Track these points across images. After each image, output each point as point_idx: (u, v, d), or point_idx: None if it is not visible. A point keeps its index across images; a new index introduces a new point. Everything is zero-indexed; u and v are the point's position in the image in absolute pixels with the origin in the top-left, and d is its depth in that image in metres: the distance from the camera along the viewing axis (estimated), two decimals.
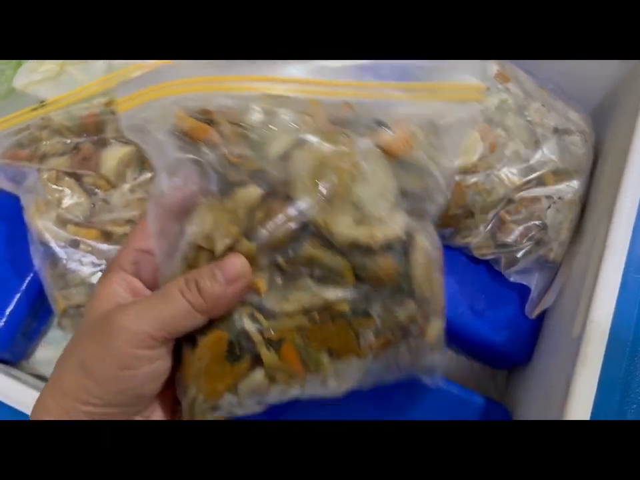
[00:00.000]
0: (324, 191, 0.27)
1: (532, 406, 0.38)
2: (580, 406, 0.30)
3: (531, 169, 0.41)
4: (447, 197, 0.30)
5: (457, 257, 0.43)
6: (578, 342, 0.32)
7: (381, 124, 0.29)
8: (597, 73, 0.47)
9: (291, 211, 0.26)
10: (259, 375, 0.27)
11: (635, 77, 0.43)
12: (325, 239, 0.27)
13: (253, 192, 0.27)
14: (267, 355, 0.27)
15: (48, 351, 0.45)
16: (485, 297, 0.43)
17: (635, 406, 0.31)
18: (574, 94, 0.49)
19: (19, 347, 0.44)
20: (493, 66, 0.41)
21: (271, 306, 0.27)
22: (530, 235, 0.41)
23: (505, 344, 0.42)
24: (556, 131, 0.42)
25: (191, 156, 0.27)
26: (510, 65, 0.43)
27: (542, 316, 0.43)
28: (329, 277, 0.27)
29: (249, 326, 0.27)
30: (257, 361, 0.27)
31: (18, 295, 0.42)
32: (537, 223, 0.41)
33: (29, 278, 0.42)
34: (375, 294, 0.27)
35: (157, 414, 0.28)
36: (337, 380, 0.28)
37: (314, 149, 0.27)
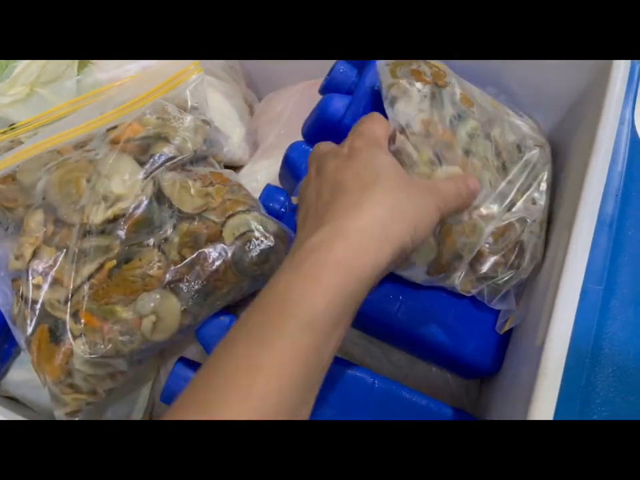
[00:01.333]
0: (70, 197, 0.40)
1: (499, 416, 0.39)
2: (541, 415, 0.31)
3: (504, 196, 0.40)
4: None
5: None
6: (539, 352, 0.33)
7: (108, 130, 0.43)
8: (566, 79, 0.47)
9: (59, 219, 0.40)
10: (79, 344, 0.37)
11: (599, 83, 0.44)
12: (88, 230, 0.39)
13: (38, 215, 0.40)
14: (73, 326, 0.37)
15: (20, 372, 0.45)
16: (455, 311, 0.43)
17: (595, 416, 0.31)
18: (543, 101, 0.50)
19: None
20: (456, 90, 0.42)
21: (66, 286, 0.38)
22: (509, 262, 0.40)
23: (474, 356, 0.42)
24: (518, 148, 0.42)
25: None
26: (462, 82, 0.43)
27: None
28: (97, 252, 0.39)
29: (56, 312, 0.38)
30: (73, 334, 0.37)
31: None
32: (514, 248, 0.40)
33: None
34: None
35: None
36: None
37: (54, 173, 0.40)
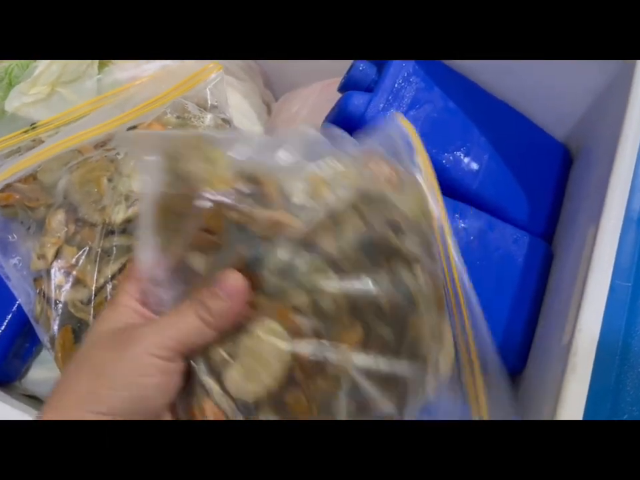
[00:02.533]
0: (91, 196, 0.39)
1: (525, 415, 0.38)
2: (570, 416, 0.30)
3: None
4: None
5: None
6: (567, 350, 0.32)
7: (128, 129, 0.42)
8: (581, 81, 0.47)
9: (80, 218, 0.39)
10: None
11: (622, 80, 0.43)
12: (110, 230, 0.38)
13: (59, 214, 0.40)
14: None
15: (41, 371, 0.45)
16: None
17: (626, 416, 0.31)
18: (562, 101, 0.50)
19: (11, 368, 0.44)
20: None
21: (89, 286, 0.38)
22: None
23: (498, 352, 0.41)
24: None
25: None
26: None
27: (534, 324, 0.43)
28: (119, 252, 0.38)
29: (79, 313, 0.38)
30: None
31: (9, 316, 0.42)
32: None
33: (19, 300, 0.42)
34: None
35: None
36: None
37: (75, 172, 0.40)
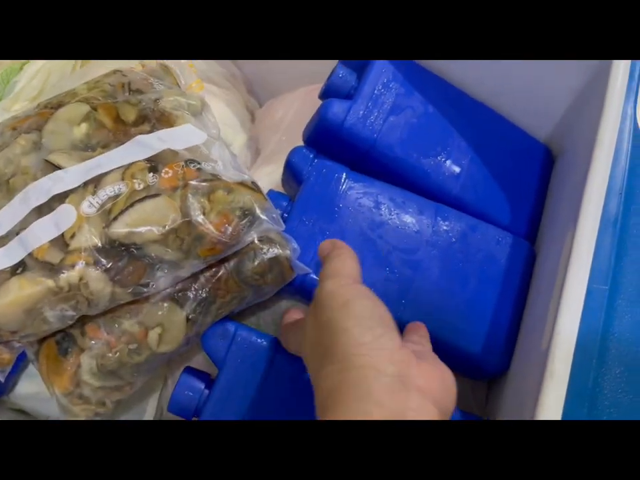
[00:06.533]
0: None
1: (509, 416, 0.38)
2: (549, 418, 0.31)
3: None
4: None
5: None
6: (546, 355, 0.33)
7: None
8: (564, 79, 0.48)
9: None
10: (86, 357, 0.37)
11: (599, 80, 0.43)
12: None
13: None
14: (80, 339, 0.38)
15: (29, 385, 0.45)
16: (462, 310, 0.43)
17: (604, 417, 0.31)
18: (541, 102, 0.50)
19: None
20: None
21: None
22: None
23: (481, 355, 0.42)
24: None
25: None
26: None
27: (518, 325, 0.43)
28: None
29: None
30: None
31: None
32: None
33: None
34: None
35: None
36: None
37: None
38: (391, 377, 0.27)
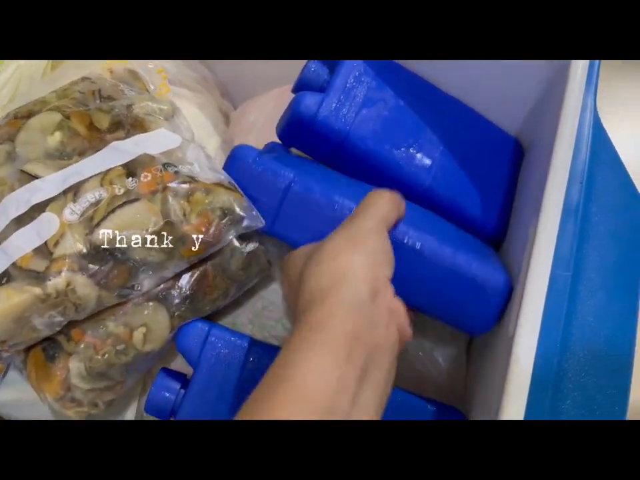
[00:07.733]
0: None
1: (480, 408, 0.39)
2: (513, 406, 0.31)
3: None
4: None
5: None
6: (511, 341, 0.33)
7: None
8: (527, 77, 0.48)
9: None
10: (74, 361, 0.38)
11: (561, 75, 0.44)
12: None
13: None
14: (66, 344, 0.38)
15: (9, 392, 0.46)
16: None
17: (568, 401, 0.32)
18: (508, 99, 0.51)
19: None
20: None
21: None
22: None
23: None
24: None
25: None
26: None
27: None
28: None
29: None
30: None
31: None
32: None
33: None
34: None
35: None
36: None
37: None
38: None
